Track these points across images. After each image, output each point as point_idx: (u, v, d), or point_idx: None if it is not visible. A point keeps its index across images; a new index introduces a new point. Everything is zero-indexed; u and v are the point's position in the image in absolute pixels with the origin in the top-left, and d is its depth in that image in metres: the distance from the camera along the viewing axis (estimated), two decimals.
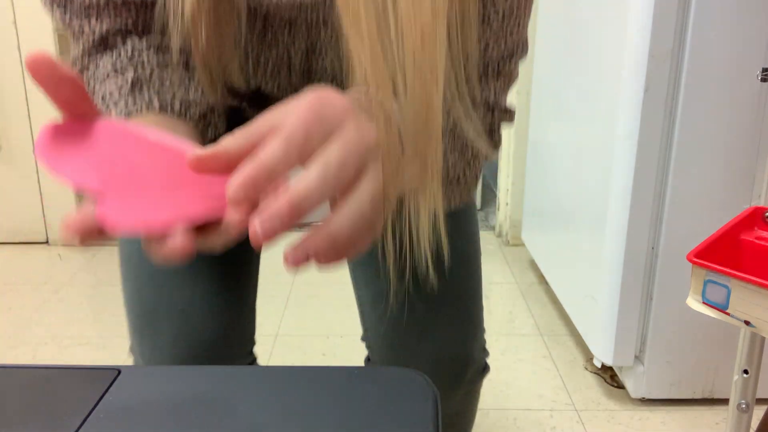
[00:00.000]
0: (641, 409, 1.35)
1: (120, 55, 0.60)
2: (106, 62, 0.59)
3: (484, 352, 0.84)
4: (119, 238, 0.75)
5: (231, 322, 0.77)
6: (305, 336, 1.64)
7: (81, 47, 0.60)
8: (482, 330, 0.83)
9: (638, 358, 1.33)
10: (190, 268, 0.74)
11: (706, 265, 0.71)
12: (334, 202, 0.42)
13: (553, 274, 1.70)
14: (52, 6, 0.59)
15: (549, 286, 1.90)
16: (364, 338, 0.85)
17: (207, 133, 0.62)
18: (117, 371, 0.46)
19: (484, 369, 0.85)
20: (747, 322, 0.70)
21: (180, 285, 0.73)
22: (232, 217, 0.37)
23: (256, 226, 0.36)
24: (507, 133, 2.15)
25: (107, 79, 0.59)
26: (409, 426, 0.40)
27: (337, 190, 0.39)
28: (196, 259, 0.73)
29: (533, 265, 2.04)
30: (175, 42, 0.58)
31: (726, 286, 0.70)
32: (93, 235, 0.39)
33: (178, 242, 0.37)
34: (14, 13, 2.00)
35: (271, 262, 2.22)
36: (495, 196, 2.46)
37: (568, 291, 1.57)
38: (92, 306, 1.79)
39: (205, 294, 0.73)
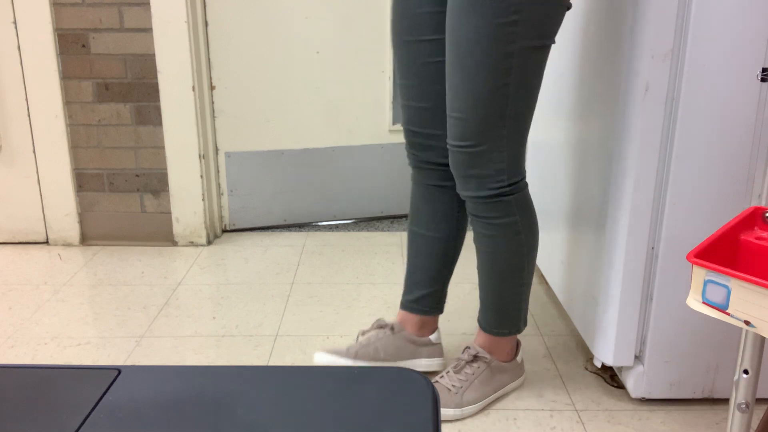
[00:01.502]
0: (641, 409, 1.35)
1: None
2: None
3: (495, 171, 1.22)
4: None
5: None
6: (305, 336, 1.64)
7: None
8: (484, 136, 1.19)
9: (638, 358, 1.33)
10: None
11: (706, 265, 0.71)
12: None
13: (553, 274, 1.71)
14: None
15: (549, 286, 1.90)
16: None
17: None
18: (117, 371, 0.46)
19: (500, 189, 1.23)
20: (747, 322, 0.70)
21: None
22: None
23: None
24: None
25: None
26: (409, 426, 0.40)
27: None
28: None
29: None
30: None
31: (726, 286, 0.70)
32: None
33: None
34: (14, 13, 2.00)
35: (271, 262, 2.22)
36: None
37: (568, 291, 1.57)
38: (92, 306, 1.80)
39: None
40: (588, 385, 1.44)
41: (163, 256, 2.12)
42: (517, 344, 1.43)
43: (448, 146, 1.23)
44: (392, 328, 1.46)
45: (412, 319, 1.46)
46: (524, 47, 1.12)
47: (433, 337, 1.48)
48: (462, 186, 1.24)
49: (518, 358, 1.43)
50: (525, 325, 1.39)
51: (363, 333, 1.50)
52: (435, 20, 1.25)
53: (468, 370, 1.37)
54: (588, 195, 1.42)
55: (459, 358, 1.40)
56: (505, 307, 1.34)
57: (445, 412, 1.33)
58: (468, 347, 1.40)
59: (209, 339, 1.62)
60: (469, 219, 1.30)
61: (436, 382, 1.38)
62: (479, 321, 1.40)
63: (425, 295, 1.45)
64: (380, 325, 1.48)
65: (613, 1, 1.26)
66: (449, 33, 1.16)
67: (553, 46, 1.68)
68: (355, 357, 1.43)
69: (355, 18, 2.22)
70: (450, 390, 1.35)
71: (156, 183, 2.16)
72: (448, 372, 1.37)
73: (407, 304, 1.47)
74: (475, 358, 1.38)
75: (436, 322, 1.49)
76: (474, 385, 1.36)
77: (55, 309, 1.78)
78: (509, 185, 1.22)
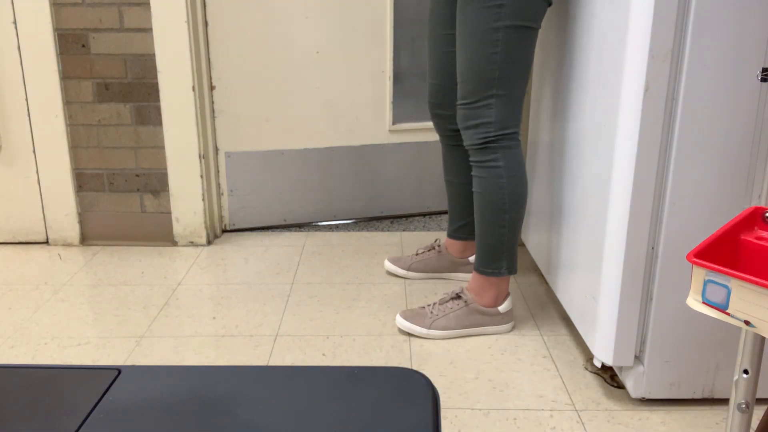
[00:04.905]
0: (641, 409, 1.35)
1: None
2: None
3: (483, 126, 1.53)
4: None
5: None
6: (305, 336, 1.64)
7: None
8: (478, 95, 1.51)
9: (638, 358, 1.33)
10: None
11: (706, 265, 0.71)
12: None
13: (553, 274, 1.70)
14: None
15: (549, 287, 1.90)
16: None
17: None
18: (117, 371, 0.46)
19: (486, 141, 1.53)
20: (747, 322, 0.70)
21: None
22: None
23: None
24: None
25: None
26: (409, 426, 0.40)
27: None
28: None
29: (533, 265, 2.05)
30: None
31: (726, 286, 0.70)
32: None
33: None
34: (14, 13, 2.00)
35: (271, 262, 2.22)
36: None
37: (568, 291, 1.57)
38: (92, 306, 1.80)
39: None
40: (588, 385, 1.44)
41: (163, 256, 2.12)
42: (506, 297, 1.66)
43: (457, 105, 1.56)
44: (440, 251, 1.93)
45: (455, 244, 1.92)
46: (508, 25, 1.44)
47: (472, 258, 1.85)
48: (464, 137, 1.56)
49: (501, 308, 1.65)
50: (509, 272, 1.63)
51: (418, 253, 1.95)
52: (455, 19, 1.60)
53: (449, 304, 1.65)
54: (588, 195, 1.42)
55: (446, 293, 1.72)
56: (489, 246, 1.61)
57: (414, 329, 1.63)
58: (460, 289, 1.69)
59: (209, 339, 1.62)
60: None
61: (422, 308, 1.67)
62: (474, 262, 1.68)
63: (462, 226, 1.89)
64: (432, 247, 1.95)
65: (614, 1, 1.26)
66: (458, 16, 1.50)
67: (552, 45, 1.68)
68: (408, 269, 1.93)
69: (355, 18, 2.22)
70: (427, 315, 1.64)
71: (156, 183, 2.16)
72: (436, 303, 1.67)
73: (450, 233, 1.92)
74: (458, 296, 1.66)
75: (474, 246, 1.87)
76: (448, 317, 1.63)
77: (55, 309, 1.78)
78: (495, 136, 1.52)
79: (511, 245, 1.61)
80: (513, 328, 1.67)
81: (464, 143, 1.57)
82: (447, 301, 1.66)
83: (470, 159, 1.58)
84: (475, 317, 1.63)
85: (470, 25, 1.47)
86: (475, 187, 1.58)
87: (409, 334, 1.63)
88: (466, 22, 1.47)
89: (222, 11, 2.12)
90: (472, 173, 1.59)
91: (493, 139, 1.52)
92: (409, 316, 1.64)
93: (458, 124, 1.56)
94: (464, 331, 1.63)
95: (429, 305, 1.66)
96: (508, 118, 1.52)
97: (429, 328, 1.62)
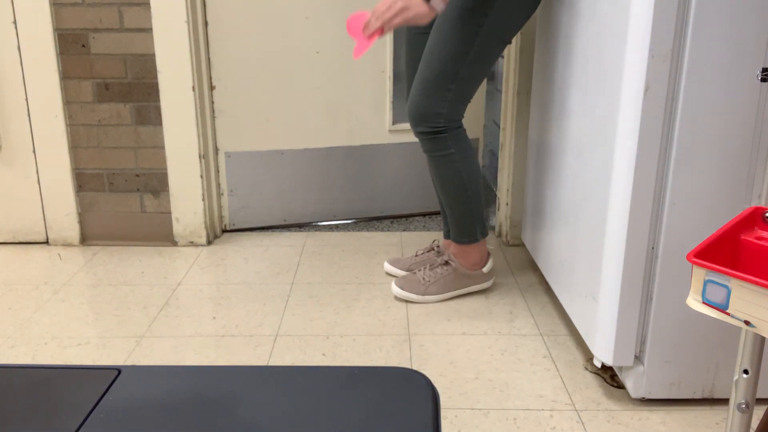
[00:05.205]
0: (641, 409, 1.35)
1: None
2: None
3: (435, 116, 1.62)
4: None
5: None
6: (305, 336, 1.64)
7: None
8: (432, 95, 1.60)
9: (638, 358, 1.33)
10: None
11: (706, 265, 0.71)
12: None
13: (553, 274, 1.70)
14: None
15: (549, 286, 1.90)
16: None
17: None
18: (117, 371, 0.46)
19: (436, 130, 1.63)
20: (747, 322, 0.70)
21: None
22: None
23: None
24: (507, 133, 2.16)
25: None
26: (409, 426, 0.40)
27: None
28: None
29: (533, 265, 2.04)
30: None
31: (726, 286, 0.70)
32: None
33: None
34: (14, 13, 2.00)
35: (271, 262, 2.22)
36: (495, 196, 2.45)
37: (568, 291, 1.57)
38: (92, 306, 1.79)
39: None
40: (588, 385, 1.44)
41: (163, 256, 2.12)
42: (488, 257, 1.83)
43: (411, 90, 1.63)
44: (439, 252, 1.95)
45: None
46: (489, 32, 1.53)
47: None
48: (413, 122, 1.63)
49: (485, 269, 1.82)
50: (483, 236, 1.79)
51: (417, 254, 1.98)
52: (432, 23, 1.63)
53: (439, 270, 1.79)
54: (588, 195, 1.42)
55: (435, 260, 1.84)
56: (460, 220, 1.75)
57: (411, 296, 1.78)
58: (445, 254, 1.81)
59: (209, 339, 1.62)
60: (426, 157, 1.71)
61: (414, 273, 1.80)
62: (450, 234, 1.80)
63: None
64: (431, 248, 1.98)
65: (614, 1, 1.26)
66: (442, 14, 1.55)
67: (552, 45, 1.68)
68: (408, 270, 1.93)
69: None
70: (420, 281, 1.78)
71: (156, 183, 2.16)
72: (425, 268, 1.80)
73: (446, 234, 1.95)
74: (446, 263, 1.79)
75: None
76: (439, 282, 1.77)
77: (55, 309, 1.78)
78: (444, 127, 1.62)
79: (479, 213, 1.75)
80: (493, 283, 1.87)
81: (412, 128, 1.64)
82: (436, 267, 1.79)
83: (422, 147, 1.66)
84: (463, 279, 1.80)
85: (454, 19, 1.53)
86: (434, 176, 1.70)
87: (406, 301, 1.79)
88: (451, 17, 1.53)
89: (222, 11, 2.12)
90: (428, 162, 1.69)
91: (442, 129, 1.62)
92: (403, 284, 1.79)
93: (408, 108, 1.63)
94: (454, 293, 1.80)
95: (420, 270, 1.81)
96: (457, 113, 1.62)
97: (423, 294, 1.77)
